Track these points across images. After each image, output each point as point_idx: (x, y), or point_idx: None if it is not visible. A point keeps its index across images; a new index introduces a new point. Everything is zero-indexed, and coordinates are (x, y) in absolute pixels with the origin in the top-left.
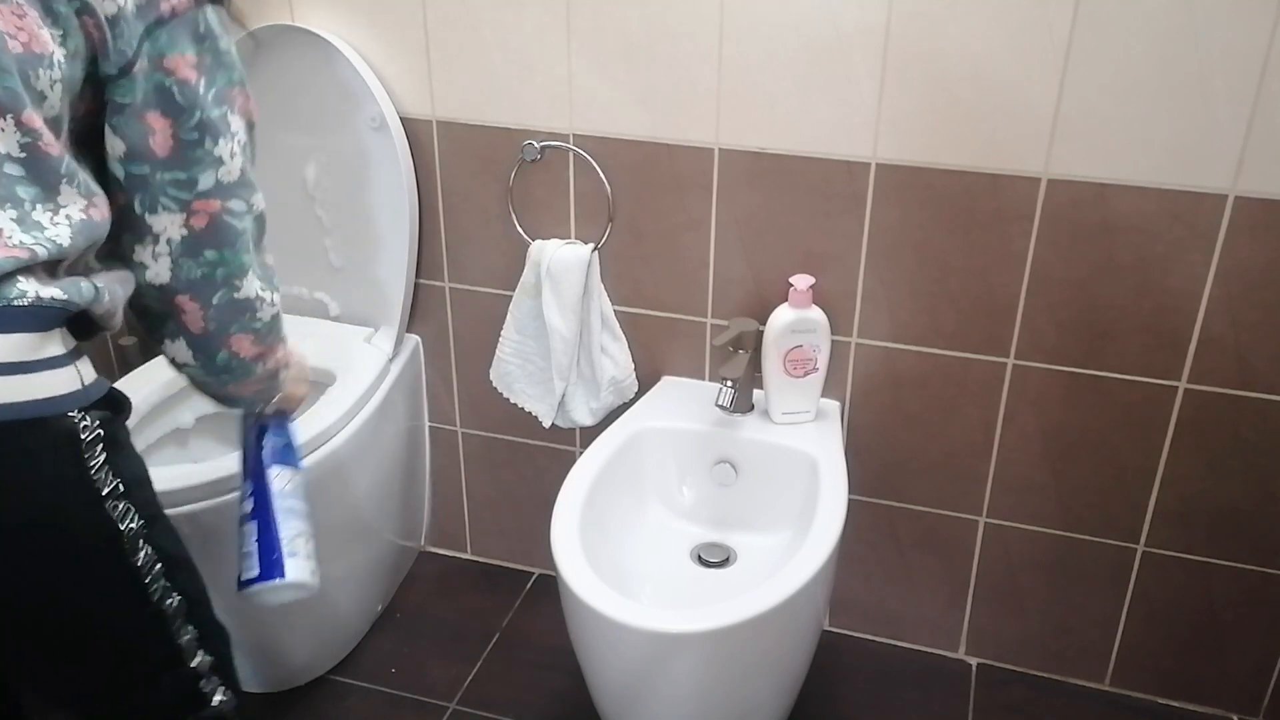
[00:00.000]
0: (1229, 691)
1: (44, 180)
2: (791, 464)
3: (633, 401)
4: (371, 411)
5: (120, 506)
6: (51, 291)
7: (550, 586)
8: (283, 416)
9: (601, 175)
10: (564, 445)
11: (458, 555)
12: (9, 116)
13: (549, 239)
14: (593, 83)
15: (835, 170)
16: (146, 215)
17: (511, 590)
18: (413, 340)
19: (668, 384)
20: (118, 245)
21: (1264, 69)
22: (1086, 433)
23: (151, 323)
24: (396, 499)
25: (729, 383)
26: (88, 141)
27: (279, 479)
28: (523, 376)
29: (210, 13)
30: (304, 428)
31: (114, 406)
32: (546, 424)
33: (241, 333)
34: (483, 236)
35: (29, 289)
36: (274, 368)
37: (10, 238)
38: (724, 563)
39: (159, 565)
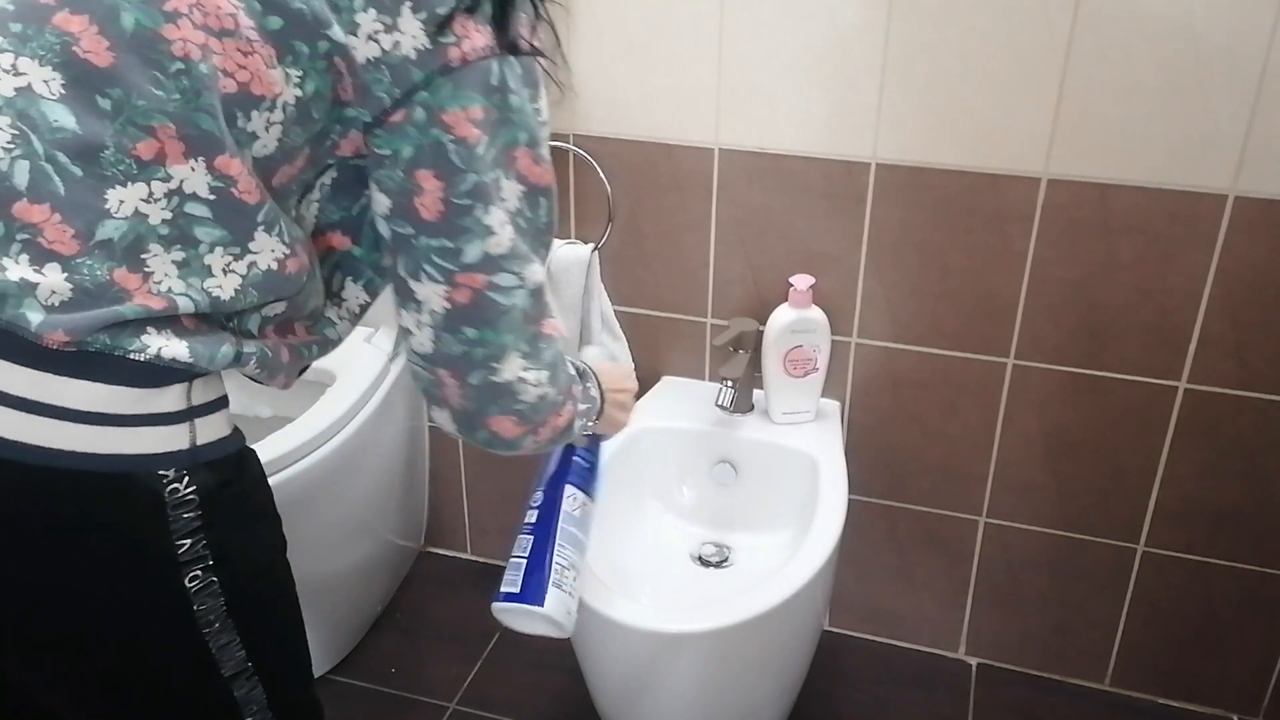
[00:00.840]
0: (1229, 691)
1: (234, 225)
2: (791, 464)
3: (635, 399)
4: (371, 411)
5: (201, 577)
6: (176, 351)
7: None
8: (595, 438)
9: (601, 175)
10: None
11: (458, 555)
12: (200, 159)
13: None
14: (593, 82)
15: (835, 170)
16: (410, 281)
17: None
18: None
19: (668, 384)
20: (335, 306)
21: (1264, 69)
22: (1086, 433)
23: (422, 385)
24: (396, 499)
25: (729, 383)
26: (348, 186)
27: (571, 499)
28: None
29: (512, 64)
30: (304, 428)
31: (236, 469)
32: None
33: (501, 415)
34: None
35: (152, 344)
36: (550, 436)
37: (159, 284)
38: (724, 563)
39: (238, 644)
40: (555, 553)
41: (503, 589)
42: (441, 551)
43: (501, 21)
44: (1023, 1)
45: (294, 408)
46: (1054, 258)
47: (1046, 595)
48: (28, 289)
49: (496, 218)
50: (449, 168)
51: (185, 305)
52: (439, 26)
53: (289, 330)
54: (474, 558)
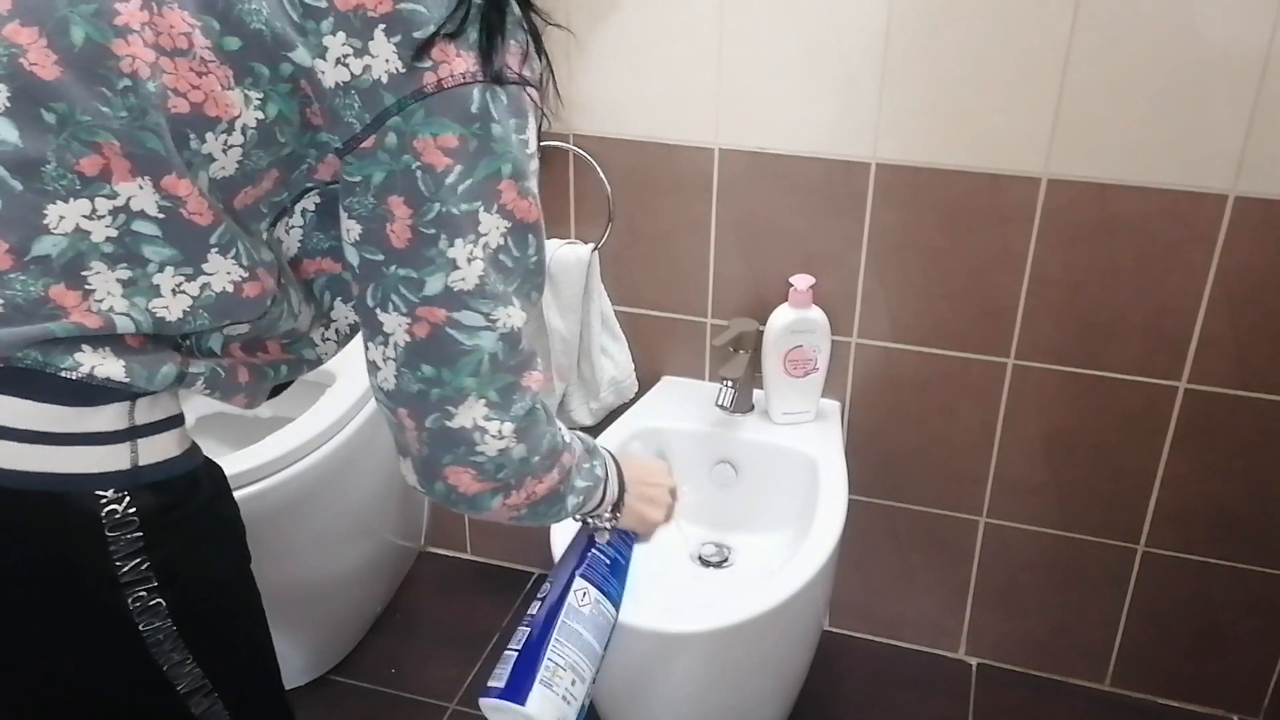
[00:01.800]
0: (1229, 691)
1: (186, 245)
2: (791, 464)
3: (633, 401)
4: (371, 411)
5: (147, 599)
6: (111, 370)
7: None
8: (624, 535)
9: (601, 175)
10: None
11: (458, 555)
12: (147, 178)
13: (549, 239)
14: (593, 82)
15: (835, 170)
16: (378, 311)
17: (511, 590)
18: None
19: (668, 384)
20: (319, 331)
21: (1264, 69)
22: (1086, 433)
23: (391, 430)
24: (396, 499)
25: (729, 383)
26: (333, 212)
27: (581, 595)
28: None
29: (498, 92)
30: (304, 428)
31: (186, 490)
32: None
33: (458, 466)
34: None
35: (85, 362)
36: (528, 502)
37: (100, 302)
38: (724, 563)
39: (191, 663)
40: (550, 648)
41: (490, 683)
42: (441, 551)
43: (487, 50)
44: (1023, 2)
45: (294, 408)
46: (1054, 258)
47: (1046, 595)
48: None
49: (463, 252)
50: (417, 195)
51: (125, 325)
52: (416, 51)
53: (259, 349)
54: (474, 558)
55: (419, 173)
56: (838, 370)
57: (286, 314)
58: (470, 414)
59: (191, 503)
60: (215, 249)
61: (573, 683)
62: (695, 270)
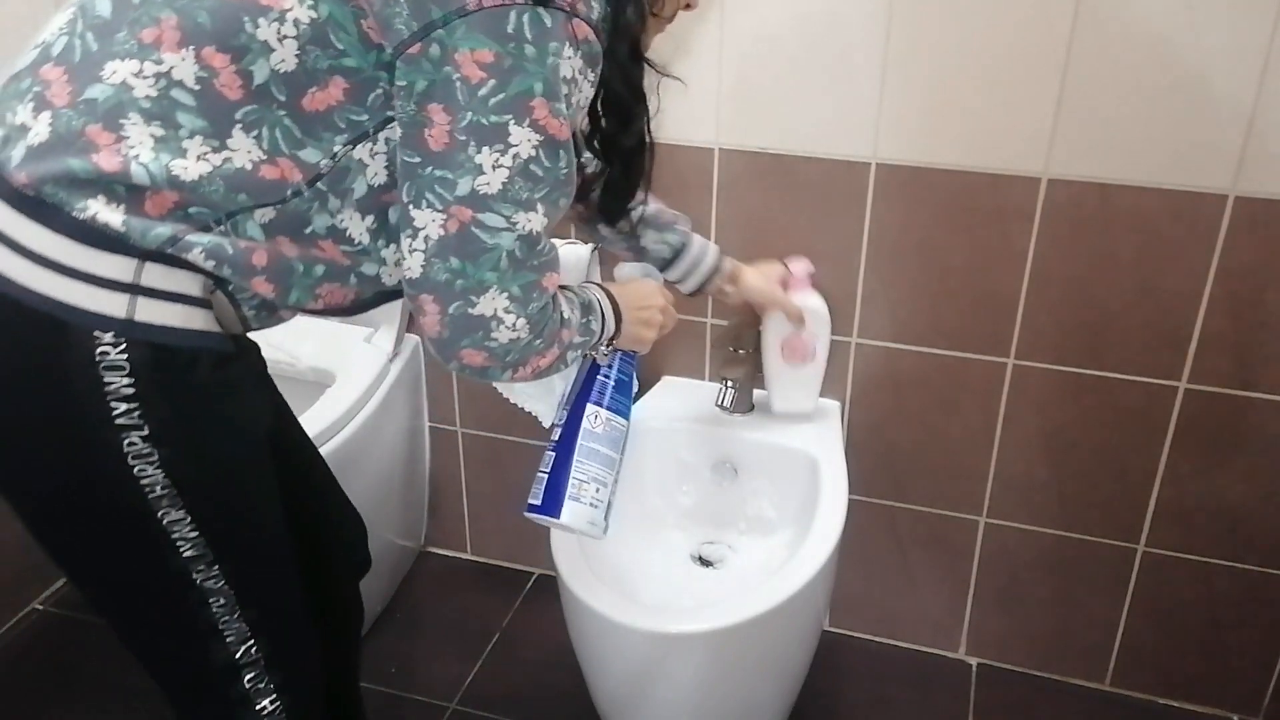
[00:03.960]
0: (1229, 691)
1: (214, 118)
2: (791, 464)
3: (633, 401)
4: (371, 411)
5: (139, 446)
6: (110, 219)
7: (550, 586)
8: (626, 355)
9: None
10: None
11: (458, 555)
12: (191, 48)
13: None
14: None
15: (835, 170)
16: (411, 208)
17: (511, 590)
18: (413, 340)
19: (668, 384)
20: (341, 232)
21: (1264, 69)
22: (1087, 433)
23: (415, 315)
24: (396, 499)
25: (729, 383)
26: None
27: (593, 418)
28: None
29: (539, 15)
30: (304, 428)
31: (185, 361)
32: (546, 424)
33: (472, 348)
34: None
35: (94, 206)
36: (532, 374)
37: (131, 149)
38: (724, 563)
39: (191, 528)
40: (574, 468)
41: (528, 500)
42: (441, 551)
43: None
44: (1022, 1)
45: (294, 408)
46: (1054, 257)
47: (1046, 595)
48: (23, 132)
49: (489, 159)
50: (455, 104)
51: (139, 174)
52: None
53: (312, 244)
54: (474, 558)
55: (457, 83)
56: (838, 370)
57: (317, 210)
58: (492, 304)
59: (187, 377)
60: (239, 125)
61: (596, 490)
62: None
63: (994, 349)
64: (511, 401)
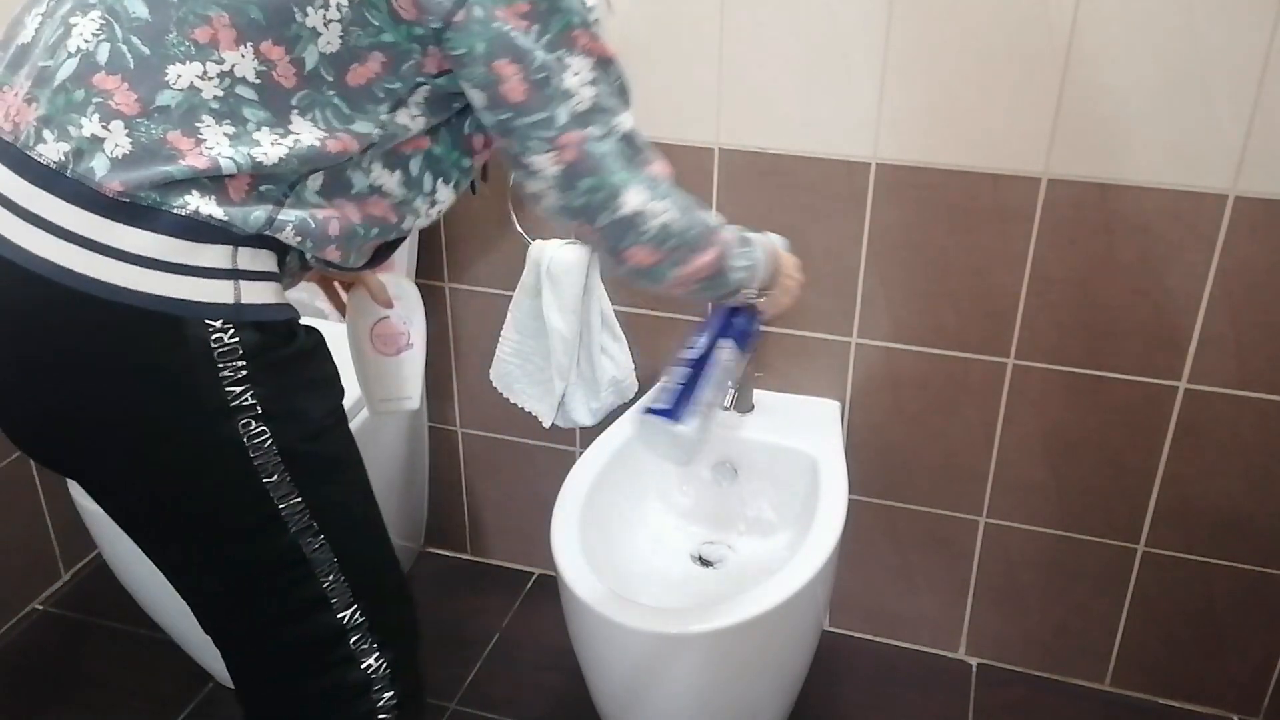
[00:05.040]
0: (1229, 691)
1: (275, 108)
2: (791, 464)
3: (633, 401)
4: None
5: (253, 426)
6: (213, 210)
7: (550, 586)
8: (754, 311)
9: None
10: (564, 445)
11: (458, 555)
12: (249, 44)
13: (549, 239)
14: None
15: (835, 170)
16: (523, 156)
17: (511, 590)
18: None
19: None
20: (414, 184)
21: (1264, 69)
22: (1086, 433)
23: (575, 234)
24: (396, 499)
25: (729, 383)
26: (440, 100)
27: (726, 351)
28: (523, 376)
29: None
30: None
31: (283, 335)
32: (546, 424)
33: (635, 245)
34: (483, 237)
35: (192, 201)
36: (695, 275)
37: (211, 149)
38: (723, 563)
39: (298, 500)
40: (703, 391)
41: (654, 404)
42: (441, 551)
43: None
44: (1022, 1)
45: None
46: (1054, 258)
47: (1046, 595)
48: (97, 143)
49: (572, 82)
50: (518, 52)
51: (228, 166)
52: None
53: (363, 203)
54: (474, 558)
55: (511, 35)
56: (838, 370)
57: (353, 169)
58: (631, 201)
59: (288, 347)
60: (295, 110)
61: (708, 409)
62: None
63: (994, 349)
64: (511, 402)
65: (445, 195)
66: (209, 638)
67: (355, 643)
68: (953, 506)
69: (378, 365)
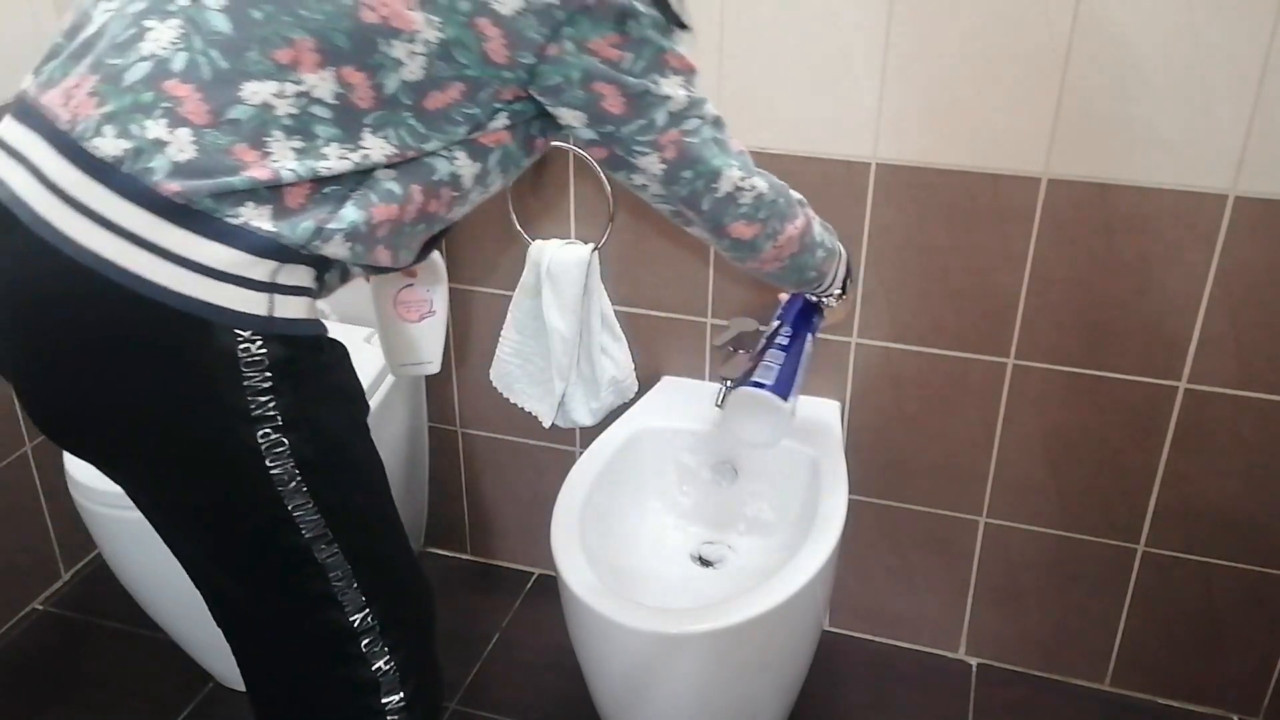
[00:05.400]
0: (1229, 691)
1: (348, 126)
2: (791, 464)
3: (633, 401)
4: (371, 411)
5: (272, 435)
6: (264, 223)
7: (550, 586)
8: (821, 313)
9: (602, 176)
10: (564, 445)
11: (458, 555)
12: (331, 69)
13: (549, 239)
14: None
15: (835, 170)
16: (630, 159)
17: (511, 590)
18: None
19: (668, 384)
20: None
21: (1264, 69)
22: (1086, 433)
23: (676, 220)
24: (396, 499)
25: (729, 383)
26: (519, 121)
27: (811, 344)
28: (523, 376)
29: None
30: None
31: (311, 349)
32: (546, 424)
33: (734, 221)
34: (482, 237)
35: (244, 213)
36: (787, 247)
37: (275, 162)
38: (723, 563)
39: (313, 507)
40: (801, 376)
41: (754, 378)
42: (441, 551)
43: None
44: (1022, 1)
45: None
46: (1054, 258)
47: (1046, 595)
48: (159, 146)
49: (665, 89)
50: (613, 76)
51: (289, 176)
52: None
53: (435, 192)
54: (474, 558)
55: (605, 64)
56: (838, 370)
57: (442, 157)
58: (729, 181)
59: (313, 360)
60: (368, 128)
61: (797, 391)
62: (695, 270)
63: (994, 349)
64: (511, 402)
65: (495, 188)
66: (211, 637)
67: (366, 645)
68: (953, 506)
69: (401, 330)
